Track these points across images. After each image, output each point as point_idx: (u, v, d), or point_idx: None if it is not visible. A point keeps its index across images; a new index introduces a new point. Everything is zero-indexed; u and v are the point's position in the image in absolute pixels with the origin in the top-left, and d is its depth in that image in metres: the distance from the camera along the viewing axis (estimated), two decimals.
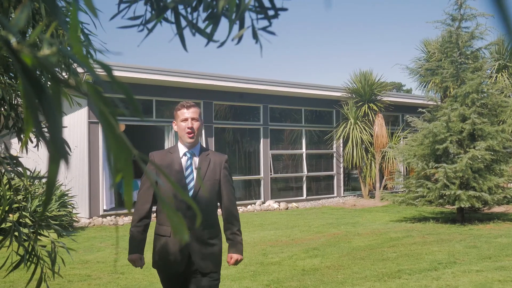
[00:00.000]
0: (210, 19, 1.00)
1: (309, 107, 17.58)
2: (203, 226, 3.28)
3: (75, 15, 0.60)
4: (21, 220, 9.69)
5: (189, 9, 1.01)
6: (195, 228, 3.22)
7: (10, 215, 9.64)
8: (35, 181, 11.13)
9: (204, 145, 14.53)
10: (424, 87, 16.57)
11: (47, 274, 2.25)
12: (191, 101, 3.46)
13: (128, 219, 12.71)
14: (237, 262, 3.46)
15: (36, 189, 10.58)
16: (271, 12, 1.01)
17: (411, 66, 13.64)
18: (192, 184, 3.30)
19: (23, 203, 9.85)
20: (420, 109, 12.39)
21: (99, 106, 0.59)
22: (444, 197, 10.99)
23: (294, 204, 16.11)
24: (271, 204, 15.64)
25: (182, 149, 3.36)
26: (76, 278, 6.73)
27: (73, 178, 13.18)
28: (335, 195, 18.12)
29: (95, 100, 0.59)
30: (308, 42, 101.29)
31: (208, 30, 1.00)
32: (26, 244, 2.15)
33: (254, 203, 15.70)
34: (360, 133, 16.85)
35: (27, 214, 9.68)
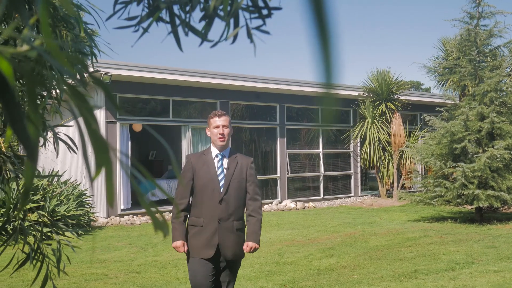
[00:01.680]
0: (204, 19, 1.00)
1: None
2: (233, 218, 3.81)
3: (45, 9, 0.60)
4: (39, 219, 9.79)
5: (186, 9, 1.02)
6: (225, 219, 3.77)
7: (29, 214, 9.76)
8: (53, 181, 11.25)
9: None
10: (442, 86, 16.43)
11: (53, 272, 2.27)
12: (221, 111, 3.98)
13: (145, 219, 12.80)
14: (253, 250, 3.86)
15: (55, 189, 10.68)
16: (264, 12, 1.01)
17: (428, 64, 13.50)
18: (223, 182, 3.83)
19: (41, 202, 9.97)
20: (438, 108, 12.28)
21: (76, 102, 0.60)
22: (462, 197, 10.89)
23: (311, 204, 16.08)
24: (288, 203, 15.63)
25: (214, 151, 3.92)
26: (92, 277, 6.79)
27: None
28: (353, 194, 18.05)
29: (72, 96, 0.60)
30: None
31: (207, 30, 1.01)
32: (32, 242, 2.17)
33: (271, 203, 15.69)
34: (378, 132, 16.76)
35: (46, 214, 9.81)
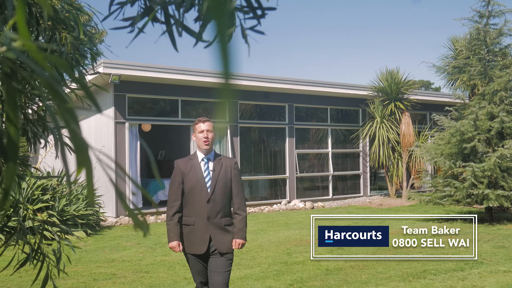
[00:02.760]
0: (198, 20, 1.01)
1: (334, 106, 17.51)
2: (220, 215, 4.15)
3: (22, 9, 0.60)
4: (49, 219, 9.85)
5: (181, 10, 1.02)
6: (213, 216, 4.12)
7: (38, 214, 9.83)
8: (62, 180, 11.30)
9: (229, 145, 14.55)
10: (452, 85, 16.34)
11: (53, 272, 2.29)
12: (205, 117, 4.33)
13: (154, 218, 12.84)
14: (241, 246, 4.21)
15: (64, 189, 10.74)
16: (259, 12, 1.02)
17: (438, 64, 13.45)
18: (209, 183, 4.16)
19: (50, 202, 10.03)
20: (447, 108, 12.23)
21: (55, 102, 0.60)
22: (472, 197, 10.83)
23: (320, 204, 16.05)
24: (297, 203, 15.62)
25: (200, 155, 4.25)
26: (101, 277, 6.82)
27: (100, 178, 13.37)
28: (362, 194, 18.00)
29: (51, 96, 0.60)
30: (333, 41, 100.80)
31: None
32: (32, 241, 2.19)
33: (280, 203, 15.69)
34: (387, 132, 16.71)
35: (55, 213, 9.87)
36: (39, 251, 2.16)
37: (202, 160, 4.23)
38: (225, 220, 4.17)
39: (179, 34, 1.07)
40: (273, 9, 1.05)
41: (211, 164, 4.22)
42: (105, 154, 0.71)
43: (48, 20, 1.70)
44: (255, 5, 1.00)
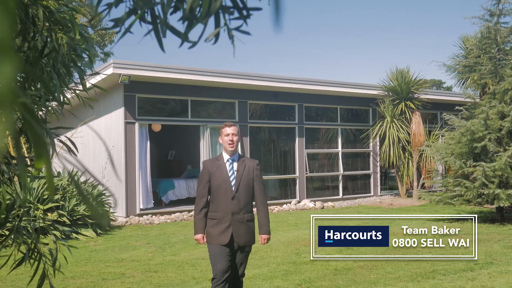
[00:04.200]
0: (182, 20, 1.01)
1: (344, 106, 17.48)
2: (243, 211, 4.58)
3: None
4: (59, 219, 9.88)
5: (170, 11, 1.03)
6: (237, 212, 4.54)
7: (49, 214, 9.89)
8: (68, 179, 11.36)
9: (239, 145, 14.57)
10: (462, 84, 16.25)
11: (49, 271, 2.30)
12: (231, 122, 4.81)
13: (164, 218, 12.88)
14: (267, 241, 4.72)
15: (74, 189, 10.80)
16: (244, 12, 1.01)
17: (448, 63, 13.36)
18: (234, 182, 4.60)
19: (61, 202, 10.09)
20: (457, 107, 12.15)
21: (21, 100, 0.61)
22: (483, 196, 10.76)
23: (330, 203, 16.02)
24: (307, 203, 15.60)
25: (225, 156, 4.70)
26: (110, 276, 6.85)
27: (110, 178, 13.43)
28: (372, 194, 17.95)
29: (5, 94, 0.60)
30: (343, 40, 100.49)
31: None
32: (29, 241, 2.20)
33: (290, 202, 15.67)
34: (397, 131, 16.65)
35: (65, 213, 9.93)
36: (36, 250, 2.17)
37: (227, 161, 4.67)
38: (248, 216, 4.62)
39: (163, 34, 1.07)
40: (259, 9, 1.05)
41: (235, 165, 4.67)
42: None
43: (44, 20, 1.71)
44: (240, 5, 1.01)
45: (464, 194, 10.94)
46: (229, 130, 4.68)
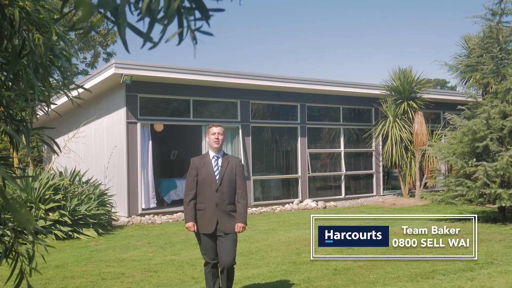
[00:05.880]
0: (140, 20, 1.01)
1: (347, 105, 17.46)
2: (226, 202, 5.15)
3: None
4: (60, 218, 9.90)
5: (135, 11, 1.03)
6: (221, 203, 5.11)
7: (50, 214, 9.91)
8: (75, 180, 11.38)
9: (241, 145, 14.52)
10: (465, 83, 16.20)
11: (26, 271, 2.31)
12: (218, 123, 5.40)
13: (166, 218, 12.90)
14: (242, 229, 5.16)
15: (76, 189, 10.82)
16: (205, 13, 1.02)
17: (450, 62, 13.31)
18: (218, 176, 5.19)
19: (62, 202, 10.11)
20: (459, 106, 12.12)
21: None
22: (485, 196, 10.73)
23: (332, 203, 16.01)
24: (309, 203, 15.59)
25: (211, 154, 5.31)
26: (109, 276, 6.87)
27: (112, 177, 13.45)
28: (374, 194, 17.93)
29: None
30: (345, 40, 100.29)
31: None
32: (6, 240, 2.21)
33: (292, 202, 15.67)
34: (400, 131, 16.63)
35: (67, 213, 9.95)
36: (14, 249, 2.18)
37: (213, 157, 5.28)
38: (230, 207, 5.18)
39: (121, 33, 1.07)
40: (221, 10, 1.06)
41: (220, 161, 5.26)
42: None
43: (20, 21, 1.72)
44: (200, 6, 1.01)
45: (466, 194, 10.92)
46: (215, 129, 5.30)
